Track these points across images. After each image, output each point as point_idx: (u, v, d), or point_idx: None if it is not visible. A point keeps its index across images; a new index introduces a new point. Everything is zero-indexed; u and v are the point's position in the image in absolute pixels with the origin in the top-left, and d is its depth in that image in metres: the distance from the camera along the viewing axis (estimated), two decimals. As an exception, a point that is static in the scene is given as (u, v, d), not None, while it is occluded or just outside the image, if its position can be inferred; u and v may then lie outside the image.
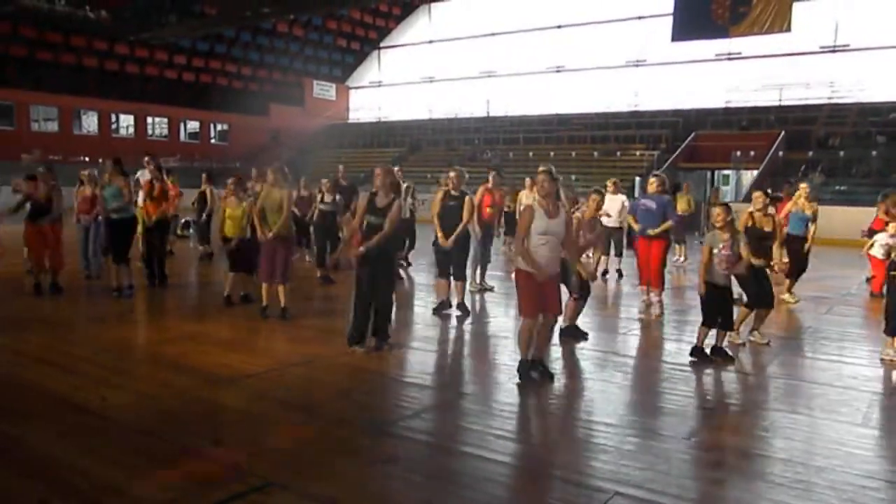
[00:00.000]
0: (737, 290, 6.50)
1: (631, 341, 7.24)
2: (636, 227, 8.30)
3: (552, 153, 27.97)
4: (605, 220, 9.31)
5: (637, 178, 22.37)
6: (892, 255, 6.44)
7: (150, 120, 36.38)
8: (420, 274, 10.56)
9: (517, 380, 5.29)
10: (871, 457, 4.15)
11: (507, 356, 6.20)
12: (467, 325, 7.59)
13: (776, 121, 26.44)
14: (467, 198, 7.70)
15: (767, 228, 7.09)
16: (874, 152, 22.95)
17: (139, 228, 9.46)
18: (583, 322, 6.96)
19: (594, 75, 33.64)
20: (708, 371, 5.85)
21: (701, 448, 4.27)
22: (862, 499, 3.51)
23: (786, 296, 9.18)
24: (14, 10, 29.31)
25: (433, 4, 40.30)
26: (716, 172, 25.96)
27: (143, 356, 6.16)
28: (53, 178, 8.67)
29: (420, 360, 6.21)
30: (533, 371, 5.29)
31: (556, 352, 6.29)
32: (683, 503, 3.47)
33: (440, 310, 7.94)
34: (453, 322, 7.66)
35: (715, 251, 6.03)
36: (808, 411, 4.89)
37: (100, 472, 3.62)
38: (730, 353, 6.19)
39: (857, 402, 5.05)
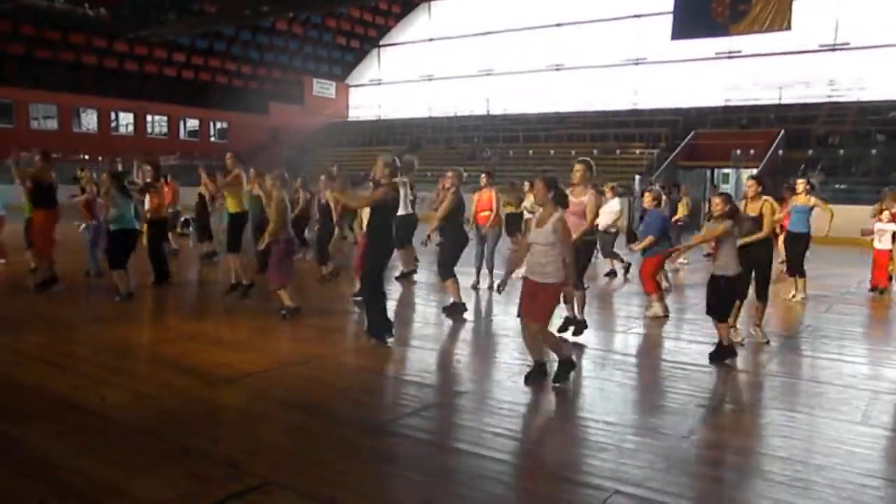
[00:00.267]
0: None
1: (630, 339, 7.24)
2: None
3: (552, 151, 27.96)
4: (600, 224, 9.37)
5: (637, 177, 22.36)
6: None
7: (149, 118, 36.29)
8: (420, 273, 10.55)
9: (517, 378, 5.30)
10: (871, 455, 4.15)
11: (507, 355, 6.21)
12: (467, 324, 7.59)
13: (776, 119, 26.42)
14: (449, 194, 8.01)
15: (753, 214, 7.11)
16: (874, 151, 22.95)
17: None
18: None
19: (594, 73, 33.58)
20: (708, 369, 5.85)
21: (701, 446, 4.27)
22: (861, 497, 3.52)
23: (796, 296, 9.31)
24: (13, 7, 29.22)
25: (433, 2, 40.22)
26: (715, 171, 25.94)
27: (142, 356, 6.15)
28: (51, 164, 8.79)
29: (419, 359, 6.21)
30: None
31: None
32: (683, 501, 3.48)
33: (453, 312, 7.68)
34: (453, 321, 7.66)
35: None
36: (807, 410, 4.90)
37: (99, 472, 3.61)
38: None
39: (856, 401, 5.06)
